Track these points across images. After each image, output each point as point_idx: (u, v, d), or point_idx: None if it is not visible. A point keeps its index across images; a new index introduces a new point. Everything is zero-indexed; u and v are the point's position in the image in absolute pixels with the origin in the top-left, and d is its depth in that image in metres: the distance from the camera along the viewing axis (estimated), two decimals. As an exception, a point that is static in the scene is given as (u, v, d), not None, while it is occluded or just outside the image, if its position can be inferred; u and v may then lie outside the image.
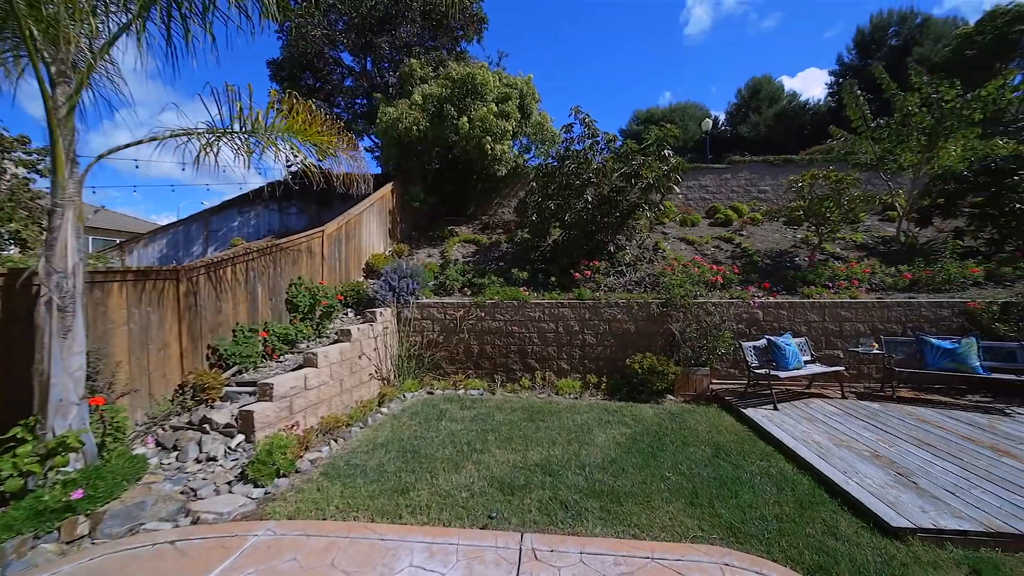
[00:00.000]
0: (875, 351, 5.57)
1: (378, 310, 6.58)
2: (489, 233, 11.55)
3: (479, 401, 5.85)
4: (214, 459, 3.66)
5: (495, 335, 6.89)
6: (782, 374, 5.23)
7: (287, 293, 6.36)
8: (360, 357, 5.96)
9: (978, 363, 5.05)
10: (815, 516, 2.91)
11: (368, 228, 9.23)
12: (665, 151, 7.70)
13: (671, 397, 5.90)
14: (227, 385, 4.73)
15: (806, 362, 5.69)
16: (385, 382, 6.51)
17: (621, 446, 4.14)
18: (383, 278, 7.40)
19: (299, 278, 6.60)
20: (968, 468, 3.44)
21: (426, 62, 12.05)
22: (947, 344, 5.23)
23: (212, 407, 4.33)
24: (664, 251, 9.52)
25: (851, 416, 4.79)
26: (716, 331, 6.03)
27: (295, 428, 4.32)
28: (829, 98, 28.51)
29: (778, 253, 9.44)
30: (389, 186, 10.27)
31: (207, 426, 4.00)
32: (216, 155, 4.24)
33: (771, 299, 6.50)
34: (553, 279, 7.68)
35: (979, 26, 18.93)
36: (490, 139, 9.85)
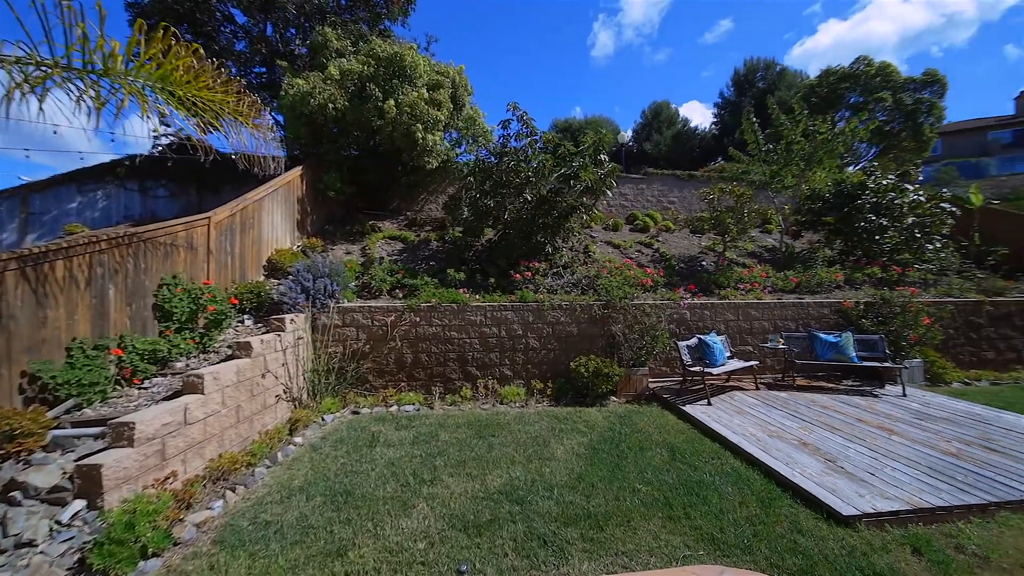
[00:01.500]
0: (780, 346, 6.31)
1: (288, 317, 5.44)
2: (417, 230, 10.70)
3: (417, 418, 5.17)
4: (30, 544, 2.46)
5: (432, 342, 6.24)
6: (713, 370, 5.59)
7: (155, 296, 4.90)
8: (264, 375, 4.84)
9: (854, 353, 6.01)
10: (779, 513, 2.99)
11: (271, 218, 7.77)
12: (601, 155, 7.85)
13: (614, 398, 5.93)
14: (56, 427, 3.36)
15: (728, 358, 6.19)
16: (296, 404, 5.42)
17: (583, 458, 3.92)
18: (292, 278, 6.21)
19: (174, 277, 5.16)
20: (874, 448, 3.94)
21: (343, 34, 10.69)
22: (832, 338, 6.14)
23: (28, 463, 2.99)
24: (594, 254, 9.77)
25: (770, 406, 5.29)
26: (653, 331, 6.26)
27: (170, 481, 3.21)
28: (713, 126, 33.15)
29: (689, 258, 10.37)
30: (298, 171, 8.81)
31: (17, 493, 2.71)
32: (41, 102, 2.96)
33: (696, 300, 6.99)
34: (492, 280, 7.28)
35: (819, 79, 23.49)
36: (420, 127, 9.07)
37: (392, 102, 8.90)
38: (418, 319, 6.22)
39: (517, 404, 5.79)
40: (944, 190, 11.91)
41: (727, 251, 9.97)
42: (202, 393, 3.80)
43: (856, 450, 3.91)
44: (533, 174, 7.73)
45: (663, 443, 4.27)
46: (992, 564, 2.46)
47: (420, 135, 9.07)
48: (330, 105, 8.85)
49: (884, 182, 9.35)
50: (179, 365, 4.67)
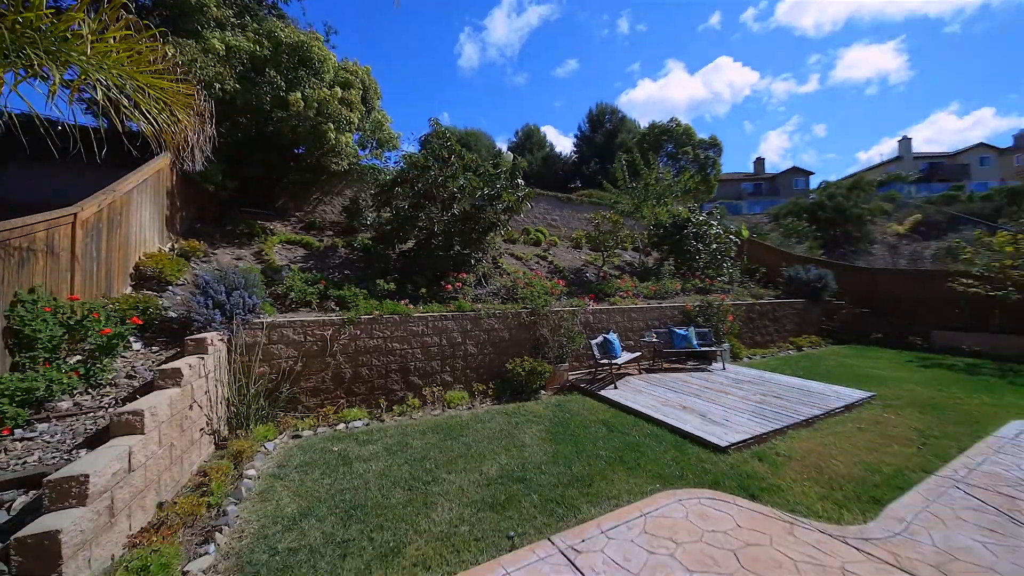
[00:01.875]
0: (654, 340, 8.41)
1: (207, 336, 4.71)
2: (317, 234, 9.90)
3: (375, 432, 5.18)
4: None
5: (373, 354, 6.16)
6: (617, 361, 7.16)
7: (8, 318, 3.72)
8: (192, 407, 4.17)
9: (696, 342, 8.48)
10: (688, 452, 4.40)
11: (139, 215, 6.32)
12: (518, 179, 8.91)
13: (544, 392, 6.96)
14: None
15: (622, 351, 7.94)
16: (215, 436, 4.75)
17: (548, 440, 4.76)
18: (201, 290, 5.31)
19: (31, 291, 3.97)
20: (722, 405, 5.91)
21: (223, 2, 9.14)
22: (683, 332, 8.52)
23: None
24: (502, 265, 10.80)
25: (654, 385, 7.11)
26: (570, 333, 7.55)
27: (137, 543, 2.74)
28: (574, 154, 38.65)
29: (576, 269, 12.37)
30: (166, 159, 7.27)
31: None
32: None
33: (597, 306, 8.64)
34: (423, 291, 7.51)
35: (647, 131, 30.05)
36: (332, 127, 8.55)
37: (299, 95, 8.18)
38: (358, 332, 6.07)
39: (464, 407, 6.27)
40: (721, 221, 16.95)
41: (604, 264, 12.30)
42: (142, 433, 3.24)
43: (713, 408, 5.80)
44: (459, 191, 8.27)
45: (598, 420, 5.45)
46: (792, 459, 4.28)
47: (332, 135, 8.56)
48: (216, 85, 7.60)
49: (700, 218, 13.06)
50: (65, 405, 3.66)
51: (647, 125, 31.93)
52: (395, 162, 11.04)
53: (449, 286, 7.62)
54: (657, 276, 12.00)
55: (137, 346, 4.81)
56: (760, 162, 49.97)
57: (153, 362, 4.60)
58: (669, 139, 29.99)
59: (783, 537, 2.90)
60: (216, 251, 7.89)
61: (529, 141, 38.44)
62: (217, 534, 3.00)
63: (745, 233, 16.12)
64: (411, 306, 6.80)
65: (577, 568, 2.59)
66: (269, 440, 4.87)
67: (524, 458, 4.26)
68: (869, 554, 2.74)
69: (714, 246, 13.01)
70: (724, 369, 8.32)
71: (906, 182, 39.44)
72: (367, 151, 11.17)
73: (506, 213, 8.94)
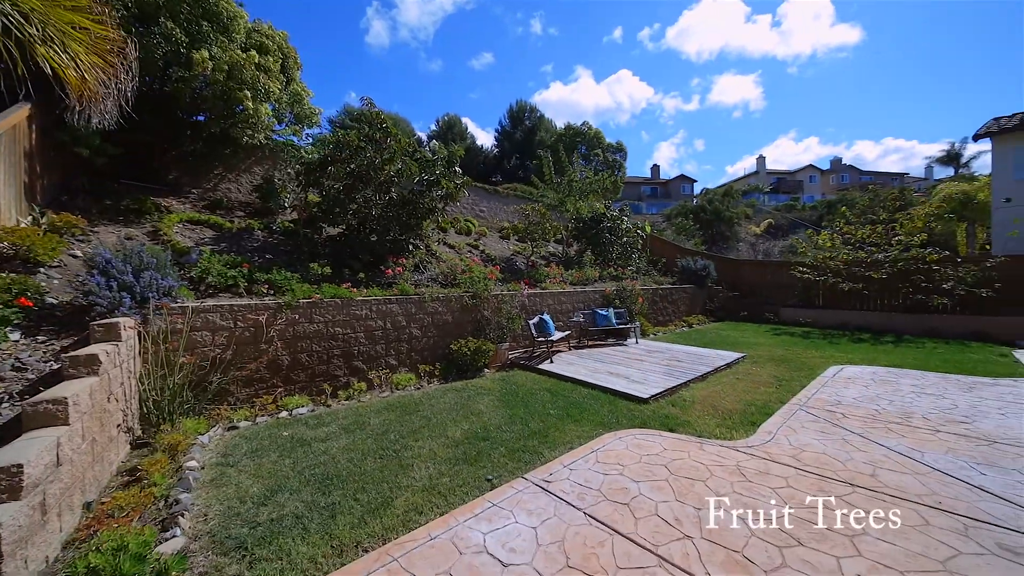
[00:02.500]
0: (581, 320, 9.38)
1: (119, 321, 4.12)
2: (226, 215, 8.86)
3: (327, 416, 5.06)
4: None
5: (314, 340, 5.91)
6: (552, 339, 7.89)
7: None
8: (109, 399, 3.68)
9: (615, 322, 9.69)
10: (619, 405, 5.23)
11: (-10, 179, 5.09)
12: (455, 167, 9.08)
13: (487, 370, 7.38)
14: None
15: (555, 331, 8.72)
16: (131, 434, 4.22)
17: (502, 407, 5.20)
18: (99, 270, 4.56)
19: None
20: (640, 370, 6.99)
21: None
22: (604, 312, 9.65)
23: None
24: (437, 252, 10.91)
25: (584, 358, 8.02)
26: (510, 315, 8.06)
27: (93, 531, 2.48)
28: (495, 148, 39.35)
29: (506, 259, 12.97)
30: (24, 111, 5.91)
31: None
32: None
33: (530, 291, 9.30)
34: (361, 275, 7.33)
35: (563, 132, 32.09)
36: (249, 95, 7.72)
37: (206, 54, 7.23)
38: (297, 316, 5.76)
39: (413, 387, 6.38)
40: (630, 218, 19.16)
41: (532, 254, 13.10)
42: (67, 424, 2.87)
43: (633, 372, 6.85)
44: (396, 175, 8.16)
45: (542, 389, 6.06)
46: (695, 403, 5.39)
47: (250, 104, 7.74)
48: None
49: (614, 214, 14.65)
50: (-67, 404, 2.96)
51: (563, 126, 34.17)
52: (314, 141, 10.33)
53: (388, 271, 7.55)
54: (579, 265, 13.19)
55: (15, 336, 3.98)
56: (656, 168, 56.62)
57: (45, 352, 3.87)
58: (583, 141, 32.44)
59: (696, 452, 3.78)
60: (97, 228, 6.65)
61: (451, 131, 37.96)
62: (180, 518, 2.82)
63: (648, 229, 18.44)
64: (354, 290, 6.63)
65: (552, 493, 3.08)
66: (201, 433, 4.46)
67: (484, 422, 4.64)
68: (751, 455, 3.74)
69: (625, 239, 14.71)
70: (637, 343, 9.66)
71: (762, 192, 48.51)
72: (283, 126, 10.22)
73: (444, 200, 9.07)
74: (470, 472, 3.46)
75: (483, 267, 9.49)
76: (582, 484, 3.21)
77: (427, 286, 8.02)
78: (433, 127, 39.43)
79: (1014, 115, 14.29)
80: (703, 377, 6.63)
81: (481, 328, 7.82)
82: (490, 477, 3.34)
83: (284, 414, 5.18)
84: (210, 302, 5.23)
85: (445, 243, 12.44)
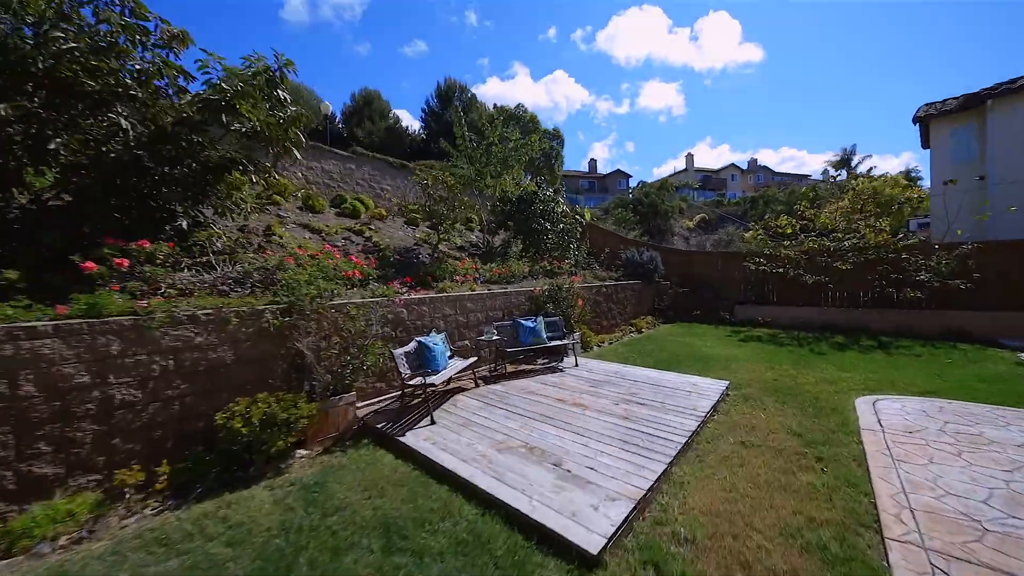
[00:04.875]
0: (495, 337, 6.22)
1: None
2: None
3: None
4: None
5: None
6: (436, 379, 4.61)
7: None
8: None
9: (546, 335, 6.69)
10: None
11: None
12: (278, 91, 5.37)
13: (303, 452, 3.89)
14: None
15: (449, 359, 5.47)
16: None
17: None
18: None
19: None
20: (580, 432, 3.97)
21: None
22: (530, 323, 6.61)
23: None
24: (281, 238, 7.10)
25: (492, 406, 4.85)
26: (363, 339, 4.63)
27: None
28: (422, 130, 35.12)
29: (406, 249, 9.46)
30: None
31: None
32: None
33: (414, 295, 5.91)
34: (14, 277, 3.44)
35: (496, 112, 29.06)
36: None
37: None
38: None
39: (66, 536, 2.70)
40: (566, 200, 16.58)
41: (440, 243, 9.73)
42: None
43: (571, 442, 3.80)
44: (136, 82, 4.30)
45: (375, 523, 2.74)
46: (698, 544, 2.44)
47: None
48: None
49: (548, 194, 11.75)
50: None
51: (494, 106, 31.05)
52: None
53: (91, 265, 3.71)
54: (503, 257, 10.09)
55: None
56: (594, 163, 55.96)
57: None
58: (517, 124, 29.59)
59: None
60: None
61: (369, 108, 33.04)
62: None
63: (588, 216, 15.95)
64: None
65: None
66: None
67: None
68: None
69: (561, 226, 11.90)
70: (576, 366, 6.74)
71: (692, 188, 49.77)
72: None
73: (267, 148, 5.34)
74: None
75: (349, 260, 5.92)
76: None
77: (220, 294, 4.32)
78: (348, 103, 34.24)
79: (946, 100, 13.84)
80: (689, 445, 3.78)
81: (304, 368, 4.30)
82: None
83: None
84: None
85: (309, 227, 8.62)
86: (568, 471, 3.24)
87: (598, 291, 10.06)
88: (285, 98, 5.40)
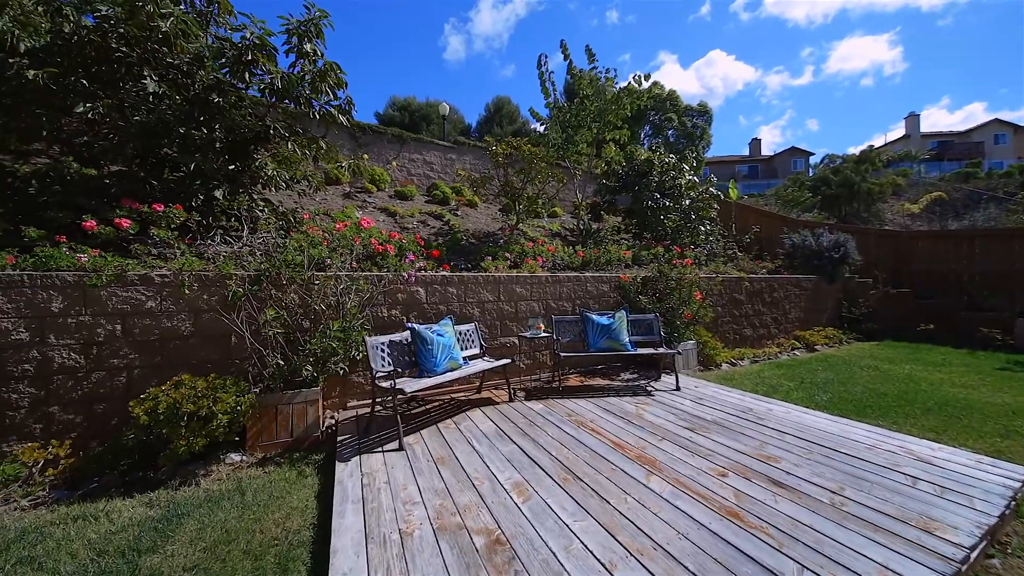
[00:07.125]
0: (543, 334, 4.44)
1: None
2: None
3: None
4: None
5: None
6: (415, 385, 3.18)
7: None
8: None
9: (627, 339, 4.53)
10: None
11: None
12: (311, 46, 4.83)
13: (236, 458, 2.97)
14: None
15: (470, 357, 3.97)
16: None
17: None
18: None
19: None
20: (619, 533, 1.94)
21: None
22: (604, 320, 4.56)
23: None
24: (351, 218, 6.82)
25: (505, 437, 3.14)
26: (347, 321, 3.56)
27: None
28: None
29: (485, 234, 8.40)
30: None
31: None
32: None
33: (438, 273, 4.64)
34: (34, 234, 3.49)
35: (620, 93, 26.15)
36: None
37: None
38: None
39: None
40: (697, 171, 12.99)
41: (524, 227, 8.33)
42: None
43: (588, 543, 1.83)
44: (161, 43, 4.23)
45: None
46: None
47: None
48: None
49: (667, 160, 9.10)
50: None
51: (621, 87, 27.89)
52: None
53: (91, 225, 3.59)
54: (595, 240, 8.05)
55: None
56: (756, 143, 45.98)
57: None
58: (652, 106, 26.00)
59: None
60: None
61: (499, 113, 34.31)
62: None
63: (734, 194, 12.18)
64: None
65: None
66: None
67: None
68: None
69: (687, 201, 9.06)
70: (678, 389, 4.35)
71: (916, 160, 35.61)
72: None
73: (302, 106, 4.90)
74: None
75: (372, 230, 5.11)
76: None
77: (229, 261, 3.93)
78: (482, 113, 36.34)
79: None
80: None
81: (267, 348, 3.44)
82: None
83: None
84: None
85: (386, 210, 8.40)
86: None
87: (734, 286, 7.02)
88: (314, 50, 4.85)
